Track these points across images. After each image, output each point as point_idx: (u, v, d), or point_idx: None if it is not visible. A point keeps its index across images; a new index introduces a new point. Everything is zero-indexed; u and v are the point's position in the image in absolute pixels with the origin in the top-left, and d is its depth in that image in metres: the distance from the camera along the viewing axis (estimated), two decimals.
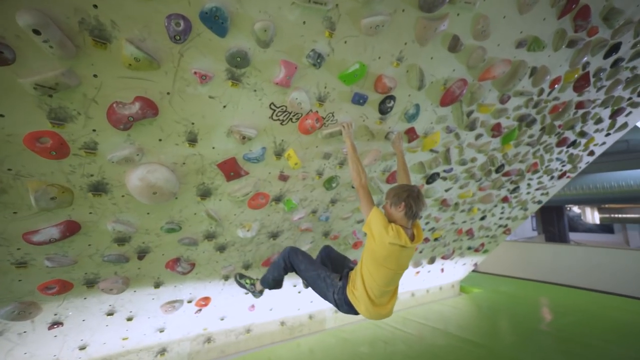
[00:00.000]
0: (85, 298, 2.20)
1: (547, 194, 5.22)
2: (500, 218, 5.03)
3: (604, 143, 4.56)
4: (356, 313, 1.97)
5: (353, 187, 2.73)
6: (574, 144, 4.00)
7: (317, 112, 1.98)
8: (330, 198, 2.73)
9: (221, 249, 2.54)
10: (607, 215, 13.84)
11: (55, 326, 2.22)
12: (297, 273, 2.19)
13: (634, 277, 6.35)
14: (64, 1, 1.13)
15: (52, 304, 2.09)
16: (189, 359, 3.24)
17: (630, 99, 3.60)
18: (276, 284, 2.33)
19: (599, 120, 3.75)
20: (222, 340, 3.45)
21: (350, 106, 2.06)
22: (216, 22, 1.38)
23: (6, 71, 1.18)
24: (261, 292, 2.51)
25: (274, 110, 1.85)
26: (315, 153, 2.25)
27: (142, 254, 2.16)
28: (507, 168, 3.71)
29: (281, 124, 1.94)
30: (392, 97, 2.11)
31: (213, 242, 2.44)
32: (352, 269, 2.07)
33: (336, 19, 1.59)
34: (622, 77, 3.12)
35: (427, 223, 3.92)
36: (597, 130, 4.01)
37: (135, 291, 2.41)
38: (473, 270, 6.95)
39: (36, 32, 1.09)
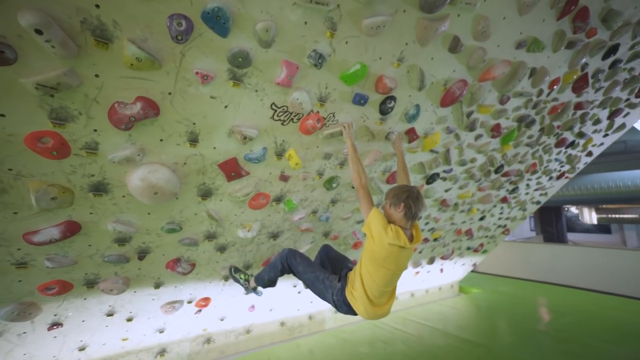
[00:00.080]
0: (85, 299, 2.19)
1: (545, 194, 5.24)
2: (500, 218, 5.05)
3: (602, 144, 4.59)
4: (355, 313, 1.97)
5: (353, 188, 2.73)
6: (572, 144, 4.02)
7: (318, 112, 1.98)
8: (330, 198, 2.73)
9: (221, 249, 2.53)
10: (604, 216, 13.90)
11: (55, 327, 2.21)
12: (295, 275, 2.19)
13: (632, 277, 6.38)
14: (66, 1, 1.13)
15: (52, 304, 2.08)
16: None
17: (628, 100, 3.62)
18: (270, 283, 2.34)
19: (597, 121, 3.77)
20: (222, 341, 3.44)
21: (351, 106, 2.06)
22: (218, 22, 1.38)
23: (7, 71, 1.17)
24: (254, 289, 2.50)
25: (275, 111, 1.86)
26: (316, 153, 2.25)
27: (142, 254, 2.16)
28: (506, 168, 3.73)
29: (282, 124, 1.94)
30: (392, 98, 2.12)
31: (213, 243, 2.43)
32: (350, 269, 2.07)
33: (337, 19, 1.59)
34: (620, 78, 3.14)
35: (426, 223, 3.92)
36: (595, 131, 4.04)
37: (135, 292, 2.40)
38: (472, 271, 6.96)
39: (38, 31, 1.09)
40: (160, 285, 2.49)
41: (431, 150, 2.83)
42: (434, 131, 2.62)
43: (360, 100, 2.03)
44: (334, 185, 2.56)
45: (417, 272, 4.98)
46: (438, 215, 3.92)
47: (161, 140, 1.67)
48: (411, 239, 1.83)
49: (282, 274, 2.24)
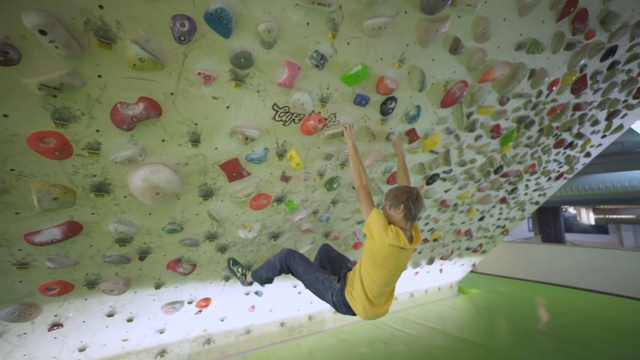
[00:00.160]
0: (85, 299, 2.18)
1: (544, 195, 5.27)
2: (499, 219, 5.07)
3: (600, 145, 4.62)
4: (354, 314, 1.98)
5: (354, 188, 2.74)
6: (571, 145, 4.04)
7: (319, 113, 1.99)
8: (331, 199, 2.74)
9: (222, 249, 2.53)
10: (602, 216, 13.98)
11: (55, 328, 2.20)
12: (294, 276, 2.19)
13: (629, 277, 6.41)
14: (69, 1, 1.13)
15: (53, 305, 2.07)
16: None
17: (625, 101, 3.65)
18: (267, 281, 2.35)
19: (595, 122, 3.80)
20: (222, 342, 3.44)
21: (352, 107, 2.07)
22: (221, 23, 1.38)
23: (11, 71, 1.17)
24: (250, 284, 2.49)
25: (277, 111, 1.86)
26: (317, 154, 2.26)
27: (143, 255, 2.15)
28: (505, 169, 3.74)
29: (284, 124, 1.95)
30: (393, 99, 2.13)
31: (214, 243, 2.43)
32: (350, 269, 2.08)
33: (339, 20, 1.60)
34: (618, 79, 3.16)
35: (426, 224, 3.94)
36: (593, 132, 4.07)
37: (135, 292, 2.40)
38: (471, 271, 6.98)
39: (42, 32, 1.09)
40: (161, 286, 2.49)
41: (431, 151, 2.84)
42: (434, 132, 2.63)
43: (361, 101, 2.04)
44: (335, 185, 2.56)
45: (417, 273, 4.99)
46: (438, 215, 3.93)
47: (163, 140, 1.67)
48: (411, 239, 1.84)
49: (279, 274, 2.25)
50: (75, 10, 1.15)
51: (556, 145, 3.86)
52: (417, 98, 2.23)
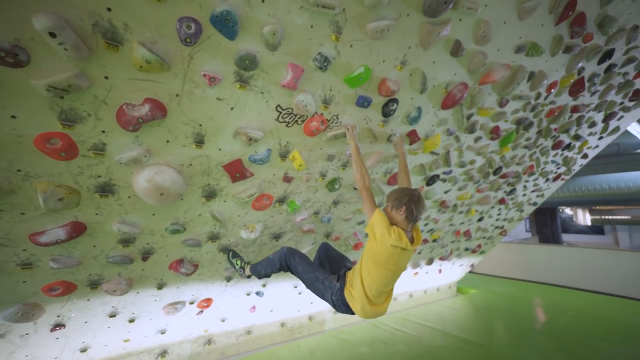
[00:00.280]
0: (88, 299, 2.19)
1: (542, 195, 5.31)
2: (497, 219, 5.11)
3: (597, 146, 4.67)
4: (353, 313, 2.00)
5: (355, 189, 2.76)
6: (568, 146, 4.09)
7: (322, 114, 2.01)
8: (332, 199, 2.75)
9: (224, 250, 2.54)
10: (598, 217, 14.10)
11: (58, 328, 2.20)
12: (294, 274, 2.21)
13: (624, 277, 6.48)
14: (78, 4, 1.15)
15: (55, 305, 2.07)
16: None
17: (622, 103, 3.69)
18: (266, 276, 2.34)
19: (592, 124, 3.84)
20: (223, 342, 3.44)
21: (354, 109, 2.09)
22: (226, 25, 1.40)
23: (20, 73, 1.18)
24: (248, 277, 2.48)
25: (280, 113, 1.88)
26: (319, 155, 2.28)
27: (146, 255, 2.16)
28: (504, 170, 3.78)
29: (287, 126, 1.96)
30: (395, 100, 2.15)
31: (216, 243, 2.44)
32: (349, 268, 2.09)
33: (343, 23, 1.62)
34: (614, 82, 3.21)
35: (426, 224, 3.96)
36: (590, 134, 4.11)
37: (138, 292, 2.40)
38: (470, 272, 7.02)
39: (52, 34, 1.10)
40: (163, 286, 2.49)
41: (432, 152, 2.87)
42: (434, 133, 2.65)
43: (363, 102, 2.06)
44: (336, 186, 2.58)
45: (416, 273, 5.02)
46: (437, 216, 3.96)
47: (167, 141, 1.68)
48: (412, 240, 1.85)
49: (278, 272, 2.26)
50: (84, 13, 1.17)
51: (554, 147, 3.90)
52: (418, 100, 2.26)
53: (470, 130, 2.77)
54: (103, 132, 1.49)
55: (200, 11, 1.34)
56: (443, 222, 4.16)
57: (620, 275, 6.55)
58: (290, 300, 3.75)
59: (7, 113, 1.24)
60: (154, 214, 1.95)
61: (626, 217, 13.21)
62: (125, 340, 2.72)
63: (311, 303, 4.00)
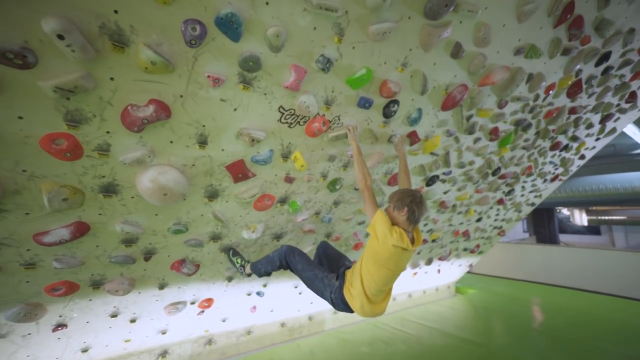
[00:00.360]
0: (90, 299, 2.19)
1: (540, 196, 5.35)
2: (496, 220, 5.14)
3: (594, 147, 4.72)
4: (352, 311, 2.02)
5: (356, 189, 2.78)
6: (566, 147, 4.13)
7: (324, 115, 2.03)
8: (333, 200, 2.77)
9: (225, 249, 2.55)
10: (594, 217, 14.21)
11: (60, 328, 2.20)
12: (293, 272, 2.22)
13: (620, 276, 6.54)
14: (86, 7, 1.16)
15: (58, 305, 2.08)
16: None
17: (618, 105, 3.74)
18: (266, 274, 2.35)
19: (589, 125, 3.88)
20: (223, 342, 3.45)
21: (356, 110, 2.11)
22: (231, 27, 1.41)
23: (27, 75, 1.19)
24: (249, 275, 2.49)
25: (283, 114, 1.89)
26: (321, 155, 2.29)
27: (148, 255, 2.17)
28: (503, 171, 3.81)
29: (289, 126, 1.98)
30: (396, 102, 2.17)
31: (218, 244, 2.45)
32: (348, 267, 2.11)
33: (345, 25, 1.64)
34: (611, 84, 3.25)
35: (425, 225, 3.99)
36: (587, 135, 4.16)
37: (139, 292, 2.41)
38: (468, 272, 7.06)
39: (60, 37, 1.11)
40: (165, 286, 2.50)
41: (431, 153, 2.89)
42: (434, 134, 2.68)
43: (365, 103, 2.08)
44: (337, 187, 2.60)
45: (415, 273, 5.05)
46: (437, 216, 3.99)
47: (171, 142, 1.70)
48: (412, 241, 1.88)
49: (278, 270, 2.27)
50: (92, 15, 1.18)
51: (552, 148, 3.94)
52: (418, 101, 2.28)
53: (470, 131, 2.80)
54: (108, 132, 1.50)
55: (205, 13, 1.36)
56: (442, 222, 4.19)
57: (616, 275, 6.61)
58: (290, 300, 3.76)
59: (14, 114, 1.25)
60: (156, 214, 1.96)
61: (622, 217, 13.32)
62: (126, 341, 2.72)
63: (311, 303, 4.02)
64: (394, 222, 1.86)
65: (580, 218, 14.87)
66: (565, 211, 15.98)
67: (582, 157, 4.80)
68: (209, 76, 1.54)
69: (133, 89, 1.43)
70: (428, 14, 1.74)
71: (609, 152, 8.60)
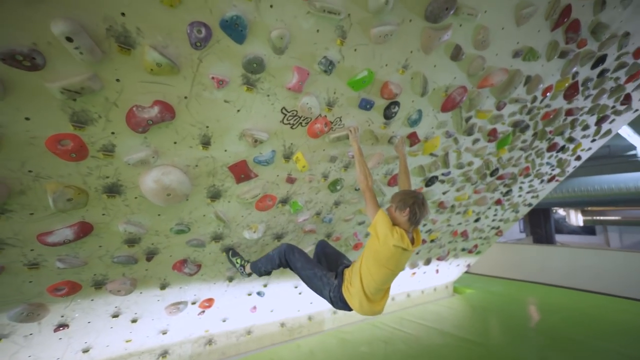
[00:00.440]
0: (92, 300, 2.19)
1: (537, 196, 5.41)
2: (493, 220, 5.19)
3: (590, 148, 4.78)
4: (350, 309, 2.04)
5: (357, 190, 2.80)
6: (562, 149, 4.18)
7: (325, 116, 2.05)
8: (334, 200, 2.79)
9: (225, 251, 2.57)
10: (589, 218, 14.32)
11: (61, 328, 2.20)
12: (292, 270, 2.24)
13: (615, 276, 6.62)
14: (94, 9, 1.17)
15: (60, 305, 2.08)
16: None
17: (614, 107, 3.80)
18: (266, 273, 2.36)
19: (586, 127, 3.94)
20: (223, 342, 3.45)
21: (357, 111, 2.13)
22: (236, 29, 1.43)
23: (35, 76, 1.21)
24: (249, 275, 2.49)
25: (285, 115, 1.91)
26: (322, 156, 2.31)
27: (150, 255, 2.18)
28: (501, 172, 3.85)
29: (291, 127, 2.00)
30: (396, 103, 2.20)
31: (220, 244, 2.47)
32: (347, 266, 2.13)
33: (348, 28, 1.66)
34: (607, 86, 3.30)
35: (424, 225, 4.02)
36: (584, 136, 4.21)
37: (141, 293, 2.41)
38: (466, 272, 7.11)
39: (69, 39, 1.13)
40: (166, 286, 2.51)
41: (431, 154, 2.92)
42: (434, 135, 2.71)
43: (366, 105, 2.10)
44: (338, 187, 2.62)
45: (414, 273, 5.08)
46: (435, 217, 4.02)
47: (175, 142, 1.71)
48: (412, 242, 1.90)
49: (278, 268, 2.28)
50: (99, 18, 1.19)
51: (549, 149, 3.99)
52: (419, 103, 2.31)
53: (469, 132, 2.84)
54: (113, 133, 1.51)
55: (210, 16, 1.37)
56: (441, 222, 4.23)
57: (611, 274, 6.69)
58: (290, 300, 3.77)
59: (21, 115, 1.26)
60: (159, 215, 1.97)
61: (617, 217, 13.45)
62: (127, 341, 2.72)
63: (311, 303, 4.03)
64: (394, 223, 1.88)
65: (576, 218, 14.99)
66: (561, 211, 16.11)
67: (579, 158, 4.86)
68: (213, 78, 1.56)
69: (138, 90, 1.44)
70: (429, 17, 1.76)
71: (604, 154, 8.71)
